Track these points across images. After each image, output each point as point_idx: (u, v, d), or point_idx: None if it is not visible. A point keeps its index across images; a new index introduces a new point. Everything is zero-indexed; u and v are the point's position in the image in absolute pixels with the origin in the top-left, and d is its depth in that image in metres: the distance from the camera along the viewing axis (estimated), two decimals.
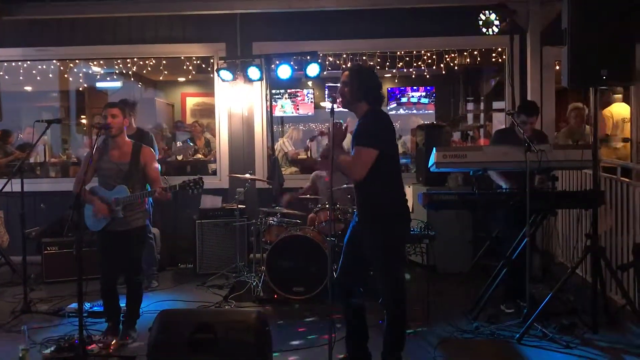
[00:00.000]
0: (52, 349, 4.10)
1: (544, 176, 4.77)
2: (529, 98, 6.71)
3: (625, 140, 7.01)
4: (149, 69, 7.81)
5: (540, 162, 4.26)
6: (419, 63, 7.63)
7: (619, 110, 7.14)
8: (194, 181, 4.40)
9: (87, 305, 4.90)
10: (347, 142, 4.21)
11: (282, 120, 10.30)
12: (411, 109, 10.62)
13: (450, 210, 5.71)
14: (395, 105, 10.68)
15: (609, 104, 7.06)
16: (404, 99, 10.63)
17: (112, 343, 4.25)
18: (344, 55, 7.58)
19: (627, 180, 5.05)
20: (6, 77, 7.54)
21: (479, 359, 4.00)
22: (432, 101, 10.59)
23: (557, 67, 6.67)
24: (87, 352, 3.95)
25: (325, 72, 7.49)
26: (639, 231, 4.63)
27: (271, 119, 7.01)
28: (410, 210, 6.40)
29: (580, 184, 5.58)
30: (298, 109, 10.33)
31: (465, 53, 7.62)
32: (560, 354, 4.01)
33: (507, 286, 4.88)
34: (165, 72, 7.80)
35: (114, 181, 4.36)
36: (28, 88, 9.31)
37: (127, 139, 4.49)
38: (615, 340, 4.22)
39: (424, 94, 10.49)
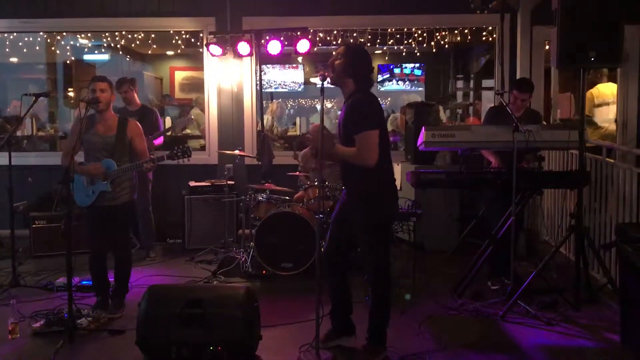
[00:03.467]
0: (42, 322, 4.12)
1: (530, 157, 4.83)
2: (517, 77, 6.73)
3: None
4: (138, 42, 7.71)
5: (527, 142, 4.31)
6: (410, 40, 7.59)
7: (603, 91, 7.18)
8: (182, 150, 4.42)
9: (75, 280, 4.92)
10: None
11: (272, 95, 10.25)
12: (404, 79, 10.59)
13: (438, 189, 5.76)
14: (388, 75, 10.64)
15: (594, 83, 7.10)
16: (397, 70, 10.59)
17: (102, 317, 4.28)
18: (335, 32, 7.53)
19: (612, 160, 5.12)
20: None
21: (464, 335, 4.07)
22: (425, 73, 10.58)
23: (547, 47, 6.69)
24: (77, 326, 3.98)
25: (315, 48, 7.44)
26: (622, 211, 4.70)
27: (261, 95, 6.98)
28: (399, 188, 6.47)
29: (566, 164, 5.64)
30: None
31: (455, 31, 7.60)
32: (542, 330, 4.11)
33: (492, 264, 4.97)
34: (154, 46, 7.70)
35: (100, 154, 4.38)
36: (14, 60, 9.16)
37: (113, 113, 4.50)
38: (595, 317, 4.33)
39: (417, 65, 10.45)
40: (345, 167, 3.70)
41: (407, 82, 10.64)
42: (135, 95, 6.25)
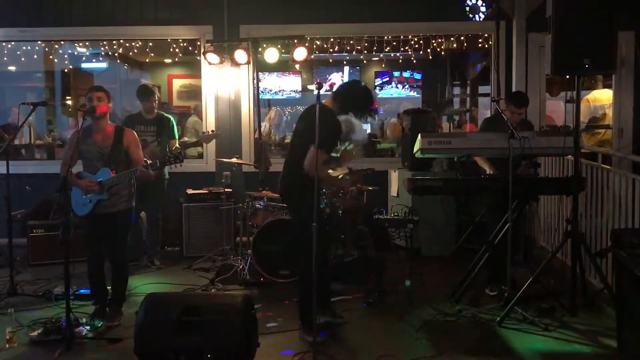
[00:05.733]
0: (40, 331, 4.12)
1: (528, 162, 4.85)
2: (513, 83, 6.78)
3: (599, 127, 7.12)
4: (135, 50, 7.75)
5: (523, 149, 4.33)
6: (406, 47, 7.64)
7: (598, 96, 7.22)
8: (174, 156, 4.43)
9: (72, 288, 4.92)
10: None
11: (269, 103, 10.28)
12: (403, 83, 10.62)
13: (435, 195, 5.78)
14: (387, 79, 10.66)
15: (589, 89, 7.16)
16: (396, 73, 10.62)
17: (99, 325, 4.28)
18: (332, 39, 7.57)
19: (608, 167, 5.14)
20: None
21: (461, 341, 4.08)
22: (421, 80, 10.62)
23: None
24: (74, 335, 3.98)
25: (312, 56, 7.48)
26: (618, 217, 4.72)
27: (258, 103, 7.01)
28: (396, 195, 6.49)
29: (562, 170, 5.67)
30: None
31: (452, 38, 7.65)
32: (539, 336, 4.12)
33: (490, 270, 4.98)
34: (152, 54, 7.74)
35: (97, 163, 4.39)
36: (12, 68, 9.19)
37: (109, 122, 4.52)
38: (592, 323, 4.34)
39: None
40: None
41: (407, 86, 10.67)
42: (156, 106, 6.29)
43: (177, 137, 6.33)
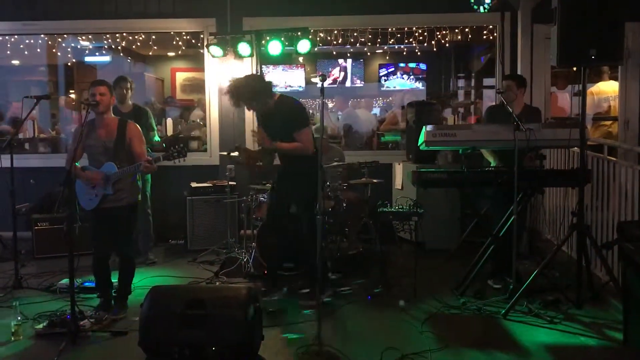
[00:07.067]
0: (44, 324, 4.13)
1: (532, 154, 4.82)
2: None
3: (606, 118, 7.07)
4: (138, 43, 7.73)
5: (528, 141, 4.30)
6: (410, 39, 7.60)
7: (602, 89, 7.17)
8: (178, 150, 4.41)
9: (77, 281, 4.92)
10: None
11: None
12: (409, 73, 10.59)
13: (439, 188, 5.76)
14: (392, 69, 10.62)
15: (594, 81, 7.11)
16: (401, 64, 10.58)
17: (104, 318, 4.29)
18: (335, 32, 7.53)
19: (614, 159, 5.11)
20: None
21: (466, 334, 4.07)
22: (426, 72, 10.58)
23: None
24: (79, 328, 3.99)
25: (316, 49, 7.43)
26: (624, 209, 4.69)
27: None
28: (400, 188, 6.46)
29: (568, 162, 5.63)
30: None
31: (456, 30, 7.60)
32: (545, 329, 4.11)
33: (494, 263, 4.96)
34: (155, 47, 7.72)
35: (101, 157, 4.39)
36: (15, 62, 9.19)
37: (113, 116, 4.50)
38: (598, 315, 4.32)
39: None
40: None
41: (412, 77, 10.62)
42: (129, 96, 6.20)
43: (155, 128, 6.29)
